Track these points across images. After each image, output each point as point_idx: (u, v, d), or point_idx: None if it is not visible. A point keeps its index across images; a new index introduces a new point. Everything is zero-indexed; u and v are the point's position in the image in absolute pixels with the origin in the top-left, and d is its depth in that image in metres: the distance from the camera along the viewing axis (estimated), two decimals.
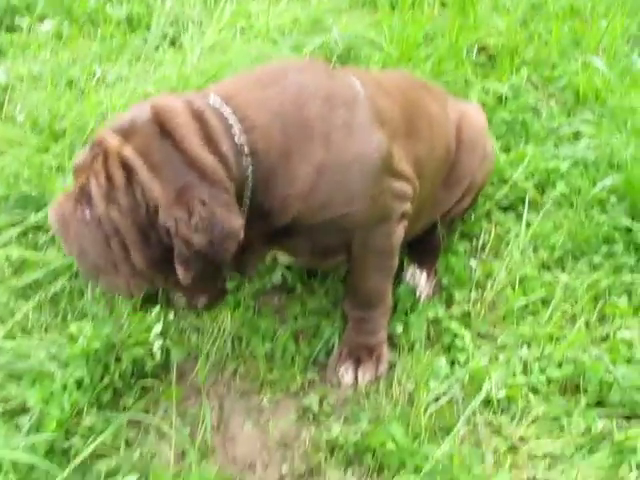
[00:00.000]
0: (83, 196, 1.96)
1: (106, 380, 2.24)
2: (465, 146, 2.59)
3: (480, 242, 2.84)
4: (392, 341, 2.48)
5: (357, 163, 2.10)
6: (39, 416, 2.13)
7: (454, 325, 2.51)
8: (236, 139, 2.00)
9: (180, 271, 1.94)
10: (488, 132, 2.76)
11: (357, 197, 2.13)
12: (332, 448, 2.20)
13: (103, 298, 2.45)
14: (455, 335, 2.48)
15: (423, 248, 2.69)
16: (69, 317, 2.43)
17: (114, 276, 1.99)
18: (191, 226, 1.89)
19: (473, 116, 2.68)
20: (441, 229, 2.68)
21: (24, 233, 2.60)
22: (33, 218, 2.58)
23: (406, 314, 2.55)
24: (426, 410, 2.25)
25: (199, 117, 1.98)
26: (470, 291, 2.66)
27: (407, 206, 2.29)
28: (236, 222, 1.95)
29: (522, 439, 2.25)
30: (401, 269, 2.62)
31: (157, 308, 2.38)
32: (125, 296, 2.07)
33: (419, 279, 2.66)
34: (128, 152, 1.91)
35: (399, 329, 2.49)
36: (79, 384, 2.20)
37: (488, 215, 2.93)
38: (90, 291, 2.44)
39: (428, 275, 2.67)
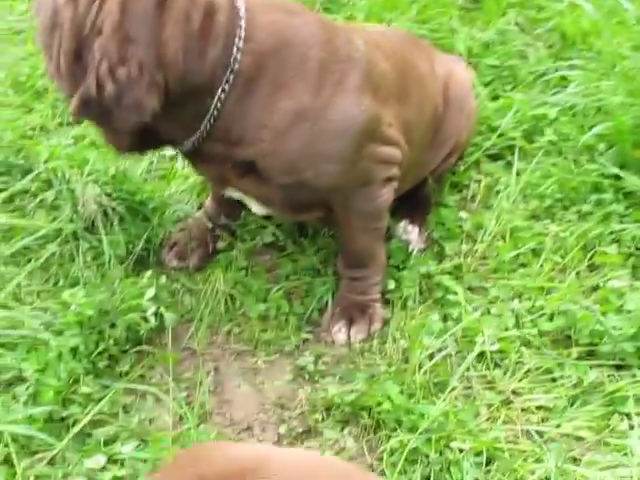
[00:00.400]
0: None
1: (101, 347, 2.24)
2: (452, 105, 2.56)
3: (470, 193, 2.84)
4: (385, 298, 2.49)
5: (340, 122, 2.08)
6: (36, 386, 2.13)
7: (446, 280, 2.51)
8: (232, 53, 1.96)
9: (75, 102, 1.91)
10: (473, 89, 2.73)
11: (332, 158, 2.10)
12: (328, 408, 2.22)
13: (94, 263, 2.44)
14: (447, 289, 2.49)
15: (413, 203, 2.69)
16: (61, 283, 2.43)
17: (48, 62, 1.98)
18: (113, 71, 1.85)
19: (460, 74, 2.65)
20: (431, 184, 2.67)
21: (11, 199, 2.57)
22: (20, 183, 2.55)
23: (398, 269, 2.55)
24: (420, 367, 2.27)
25: (211, 16, 1.94)
26: (461, 244, 2.66)
27: (394, 171, 2.28)
28: (151, 104, 1.90)
29: (515, 392, 2.28)
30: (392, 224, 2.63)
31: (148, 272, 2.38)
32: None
33: (411, 234, 2.66)
34: None
35: (391, 285, 2.50)
36: (74, 352, 2.20)
37: (477, 165, 2.92)
38: (81, 257, 2.43)
39: (420, 229, 2.67)
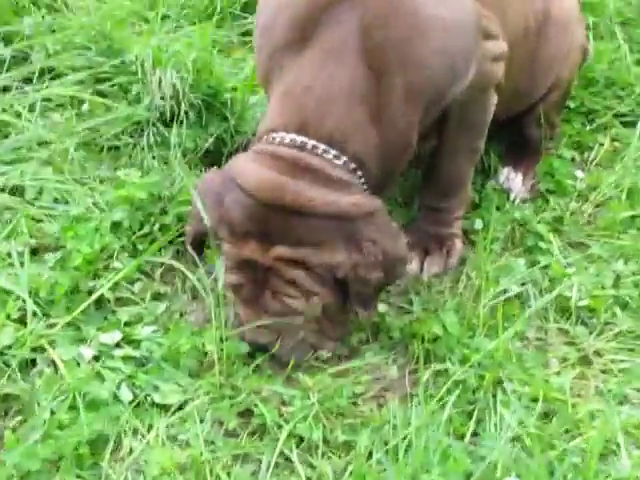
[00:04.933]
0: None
1: (146, 229, 2.09)
2: (552, 28, 2.25)
3: (592, 155, 2.52)
4: (468, 238, 2.22)
5: (456, 30, 1.87)
6: (67, 254, 2.00)
7: (541, 228, 2.22)
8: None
9: (361, 312, 1.85)
10: (580, 19, 2.41)
11: (461, 68, 1.89)
12: (376, 331, 1.97)
13: (161, 153, 2.30)
14: (541, 237, 2.20)
15: (518, 148, 2.41)
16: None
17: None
18: (368, 267, 1.77)
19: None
20: (535, 129, 2.39)
21: (99, 79, 2.47)
22: (109, 65, 2.44)
23: (489, 212, 2.27)
24: (489, 304, 1.98)
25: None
26: (570, 201, 2.35)
27: (502, 68, 2.03)
28: (403, 247, 1.87)
29: (598, 353, 1.95)
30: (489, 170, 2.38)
31: None
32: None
33: (514, 181, 2.38)
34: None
35: (478, 225, 2.22)
36: (116, 228, 2.06)
37: (606, 128, 2.60)
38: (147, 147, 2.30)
39: (524, 177, 2.39)
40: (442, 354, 1.87)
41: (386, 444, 1.67)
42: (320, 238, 1.77)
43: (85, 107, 2.38)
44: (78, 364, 1.82)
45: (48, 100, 2.36)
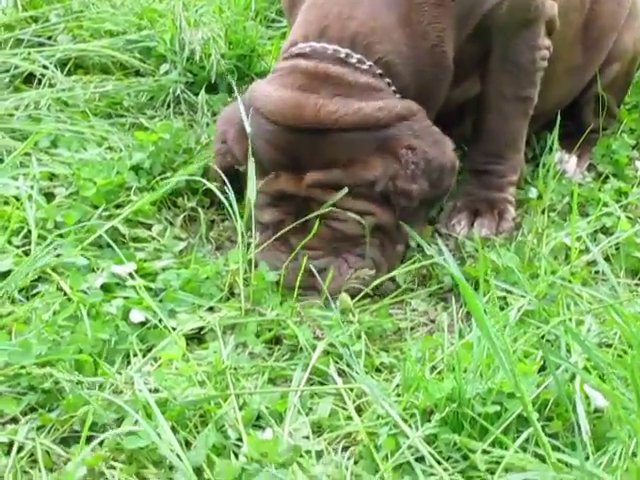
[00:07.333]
0: None
1: (168, 174, 1.89)
2: None
3: None
4: (522, 208, 2.01)
5: None
6: (80, 187, 1.80)
7: (605, 197, 2.00)
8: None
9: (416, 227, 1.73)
10: None
11: None
12: (424, 276, 1.74)
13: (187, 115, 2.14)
14: (605, 204, 1.97)
15: (571, 130, 2.22)
16: None
17: None
18: (408, 177, 1.64)
19: None
20: (592, 112, 2.22)
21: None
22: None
23: (544, 181, 2.06)
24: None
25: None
26: (632, 186, 2.14)
27: (554, 7, 1.88)
28: (449, 154, 1.73)
29: None
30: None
31: None
32: None
33: (568, 164, 2.19)
34: None
35: (532, 194, 2.01)
36: (135, 170, 1.87)
37: None
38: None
39: (579, 159, 2.20)
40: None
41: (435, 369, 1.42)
42: (350, 155, 1.63)
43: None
44: (85, 293, 1.59)
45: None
